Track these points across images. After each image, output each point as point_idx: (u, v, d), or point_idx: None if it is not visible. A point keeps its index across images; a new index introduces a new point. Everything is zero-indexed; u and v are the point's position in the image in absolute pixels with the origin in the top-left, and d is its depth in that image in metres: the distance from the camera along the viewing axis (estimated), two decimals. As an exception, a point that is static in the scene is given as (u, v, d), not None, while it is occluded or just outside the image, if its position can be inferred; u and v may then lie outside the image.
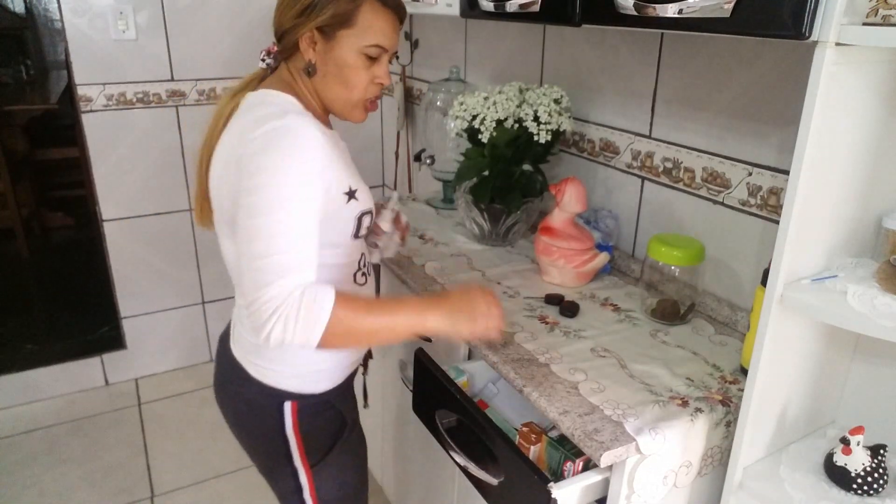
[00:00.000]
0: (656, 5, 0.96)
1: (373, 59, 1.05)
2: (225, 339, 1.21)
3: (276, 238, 0.91)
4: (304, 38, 1.03)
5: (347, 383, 1.23)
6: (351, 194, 1.05)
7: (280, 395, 1.12)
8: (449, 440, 1.18)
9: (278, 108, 1.00)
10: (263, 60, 1.11)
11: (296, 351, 1.09)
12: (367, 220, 1.10)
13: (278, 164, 0.93)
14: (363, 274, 1.18)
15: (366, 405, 1.39)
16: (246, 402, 1.15)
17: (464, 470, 1.15)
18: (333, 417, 1.19)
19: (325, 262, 1.03)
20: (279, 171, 0.92)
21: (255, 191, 0.93)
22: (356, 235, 1.10)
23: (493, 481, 1.07)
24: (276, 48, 1.09)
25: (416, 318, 1.02)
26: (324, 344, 0.93)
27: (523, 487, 1.01)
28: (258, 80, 1.10)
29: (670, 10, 0.94)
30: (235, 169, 0.97)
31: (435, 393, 1.24)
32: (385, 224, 1.24)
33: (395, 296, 1.12)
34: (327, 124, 1.12)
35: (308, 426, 1.15)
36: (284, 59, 1.08)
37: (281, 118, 0.96)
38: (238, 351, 1.15)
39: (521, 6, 1.28)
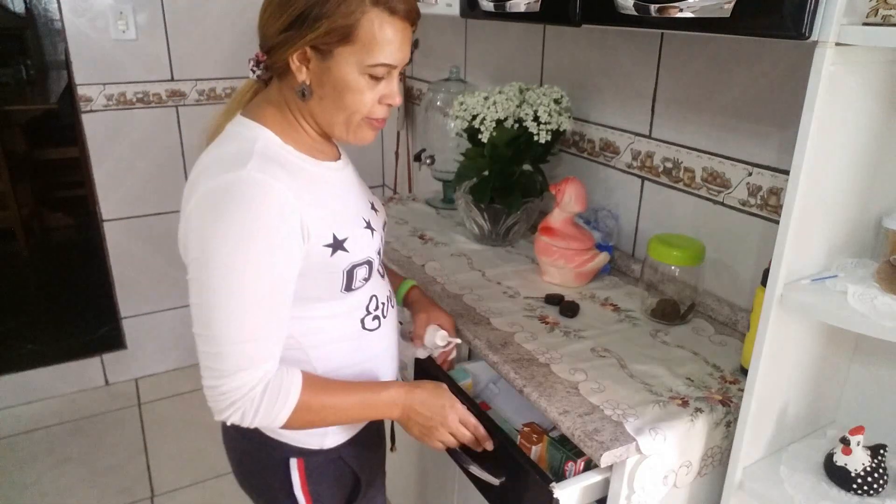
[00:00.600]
0: (656, 5, 0.96)
1: (378, 79, 0.89)
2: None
3: (234, 326, 0.81)
4: (294, 56, 0.86)
5: (361, 437, 1.08)
6: (336, 245, 0.90)
7: (285, 450, 1.01)
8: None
9: (242, 151, 0.85)
10: (253, 71, 0.95)
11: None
12: (361, 272, 0.95)
13: (231, 236, 0.79)
14: (375, 318, 1.02)
15: (392, 448, 1.26)
16: (249, 455, 1.04)
17: (465, 470, 1.14)
18: (345, 476, 1.07)
19: (315, 317, 0.93)
20: (234, 247, 0.79)
21: (206, 267, 0.80)
22: (347, 289, 0.94)
23: (495, 481, 1.07)
24: (264, 57, 0.92)
25: (373, 408, 0.97)
26: (287, 427, 0.89)
27: (525, 487, 1.01)
28: (252, 95, 0.97)
29: (670, 11, 0.94)
30: (184, 217, 0.83)
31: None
32: (422, 353, 1.19)
33: (369, 379, 1.04)
34: (327, 152, 0.97)
35: (318, 485, 1.03)
36: (276, 76, 0.92)
37: (239, 168, 0.81)
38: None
39: (527, 5, 1.28)
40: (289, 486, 1.02)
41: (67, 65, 2.31)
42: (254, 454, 1.03)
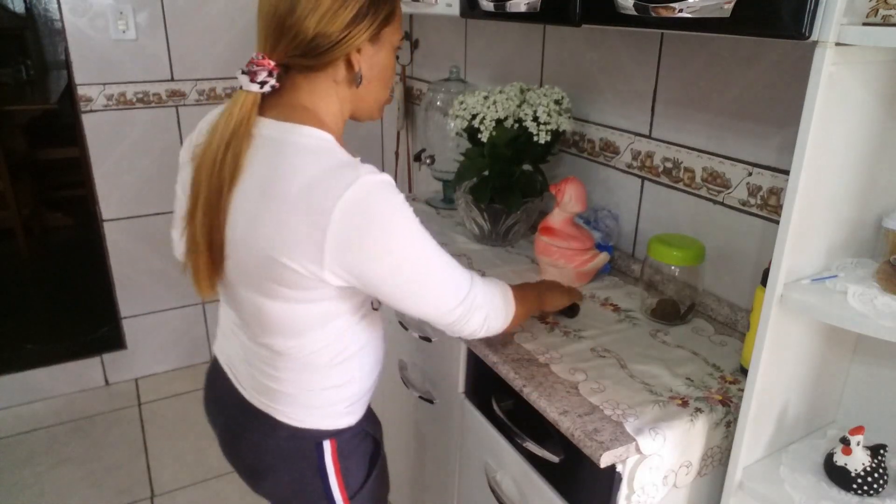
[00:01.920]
0: (656, 5, 0.96)
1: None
2: (225, 391, 1.09)
3: (442, 276, 0.94)
4: (357, 48, 0.88)
5: (372, 404, 1.16)
6: None
7: (316, 436, 1.03)
8: (508, 422, 1.18)
9: (337, 158, 0.87)
10: (262, 84, 0.88)
11: (326, 390, 1.01)
12: None
13: (400, 224, 0.87)
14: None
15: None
16: (271, 451, 1.05)
17: (521, 448, 1.16)
18: (368, 444, 1.12)
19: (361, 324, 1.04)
20: (408, 229, 0.88)
21: (402, 256, 0.88)
22: None
23: (555, 459, 1.07)
24: (273, 64, 0.88)
25: (549, 294, 1.23)
26: (510, 323, 1.07)
27: (586, 463, 0.99)
28: (255, 107, 0.89)
29: (670, 11, 0.94)
30: (311, 234, 0.84)
31: (490, 380, 1.23)
32: None
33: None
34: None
35: (346, 460, 1.06)
36: (301, 72, 0.90)
37: (355, 170, 0.84)
38: (259, 399, 1.03)
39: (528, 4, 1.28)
40: (320, 468, 1.04)
41: (67, 65, 2.31)
42: (279, 448, 1.04)
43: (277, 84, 0.90)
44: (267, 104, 0.91)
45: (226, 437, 1.13)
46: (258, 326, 0.98)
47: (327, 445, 1.04)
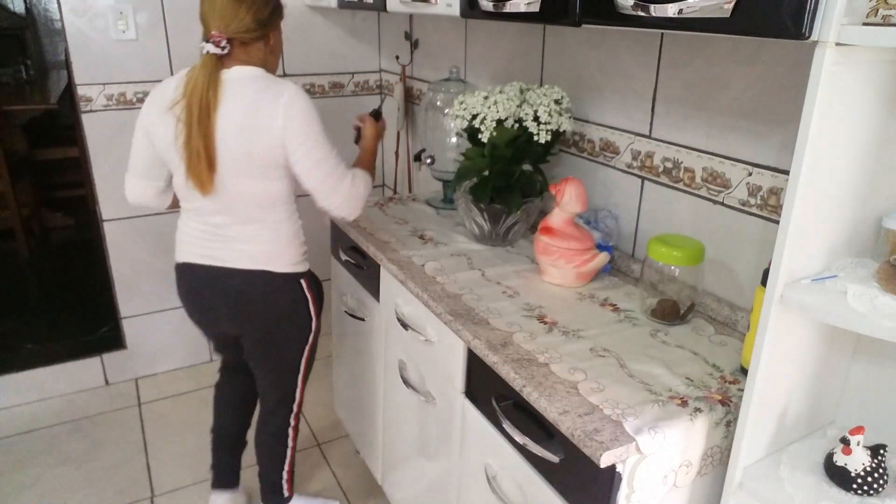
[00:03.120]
0: (656, 5, 0.96)
1: None
2: (211, 278, 1.57)
3: (334, 152, 1.50)
4: (271, 31, 1.48)
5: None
6: None
7: (297, 276, 1.62)
8: (509, 421, 1.18)
9: (271, 78, 1.47)
10: (223, 48, 1.40)
11: (290, 246, 1.58)
12: None
13: (313, 114, 1.45)
14: None
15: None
16: (272, 290, 1.59)
17: (521, 452, 1.16)
18: (317, 283, 1.70)
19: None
20: (316, 119, 1.46)
21: (311, 135, 1.44)
22: None
23: (555, 459, 1.08)
24: (224, 37, 1.40)
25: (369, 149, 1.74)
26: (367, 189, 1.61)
27: (587, 463, 0.99)
28: (218, 61, 1.42)
29: (670, 10, 0.94)
30: (269, 123, 1.40)
31: (490, 380, 1.24)
32: None
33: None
34: None
35: (312, 291, 1.66)
36: (243, 44, 1.44)
37: (282, 83, 1.45)
38: (276, 264, 1.57)
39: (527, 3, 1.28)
40: (303, 295, 1.63)
41: (67, 65, 2.31)
42: (280, 289, 1.60)
43: (228, 49, 1.42)
44: (221, 62, 1.43)
45: (229, 304, 1.60)
46: (244, 207, 1.49)
47: (303, 281, 1.63)
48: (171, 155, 1.47)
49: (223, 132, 1.40)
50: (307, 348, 1.72)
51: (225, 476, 1.97)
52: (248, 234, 1.53)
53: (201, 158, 1.40)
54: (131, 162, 1.56)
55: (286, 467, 1.87)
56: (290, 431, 1.83)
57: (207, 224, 1.53)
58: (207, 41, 1.39)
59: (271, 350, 1.69)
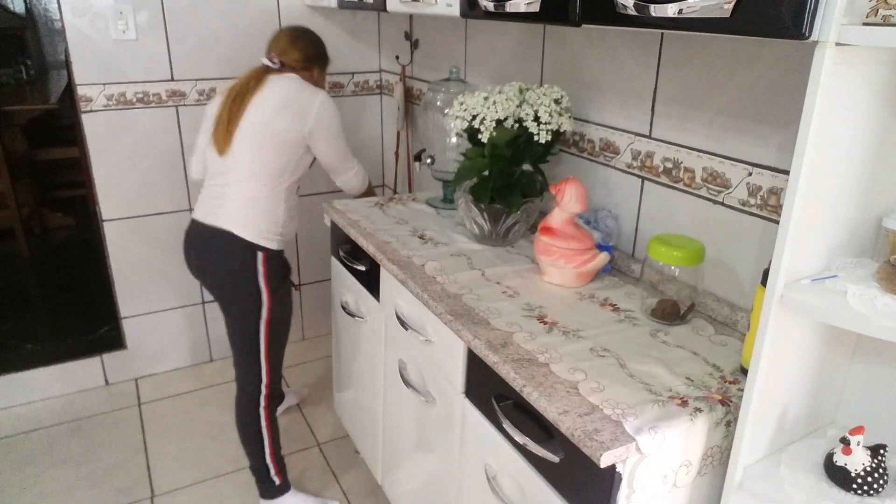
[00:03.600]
0: (656, 5, 0.96)
1: None
2: (207, 234, 1.79)
3: (346, 149, 1.93)
4: (315, 69, 1.96)
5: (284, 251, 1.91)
6: None
7: (257, 248, 1.78)
8: (509, 421, 1.18)
9: (308, 83, 1.87)
10: (273, 62, 1.85)
11: (271, 223, 1.79)
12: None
13: (338, 117, 1.86)
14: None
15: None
16: (231, 254, 1.78)
17: (521, 452, 1.16)
18: (283, 266, 1.87)
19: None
20: (339, 120, 1.87)
21: (326, 126, 1.83)
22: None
23: (555, 459, 1.08)
24: (279, 60, 1.86)
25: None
26: (366, 186, 2.08)
27: (586, 463, 0.99)
28: (265, 70, 1.84)
29: (670, 10, 0.94)
30: (301, 112, 1.78)
31: (490, 380, 1.24)
32: None
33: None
34: None
35: (270, 265, 1.80)
36: (291, 69, 1.88)
37: (318, 88, 1.87)
38: (241, 229, 1.76)
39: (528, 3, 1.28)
40: (253, 265, 1.78)
41: (67, 65, 2.31)
42: (235, 255, 1.77)
43: (278, 66, 1.85)
44: (269, 71, 1.85)
45: (199, 257, 1.84)
46: (248, 170, 1.76)
47: (260, 254, 1.78)
48: (208, 125, 1.82)
49: (254, 107, 1.76)
50: (263, 323, 1.82)
51: None
52: (237, 196, 1.77)
53: (223, 123, 1.75)
54: (195, 144, 1.92)
55: (268, 451, 1.93)
56: (262, 412, 1.90)
57: (216, 184, 1.80)
58: (265, 58, 1.85)
59: (229, 312, 1.86)
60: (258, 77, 1.79)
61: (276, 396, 1.94)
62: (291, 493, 1.99)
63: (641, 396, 1.08)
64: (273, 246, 1.80)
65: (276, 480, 1.95)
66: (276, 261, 1.82)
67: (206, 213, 1.80)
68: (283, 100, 1.77)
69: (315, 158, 1.88)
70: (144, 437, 2.40)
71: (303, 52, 1.87)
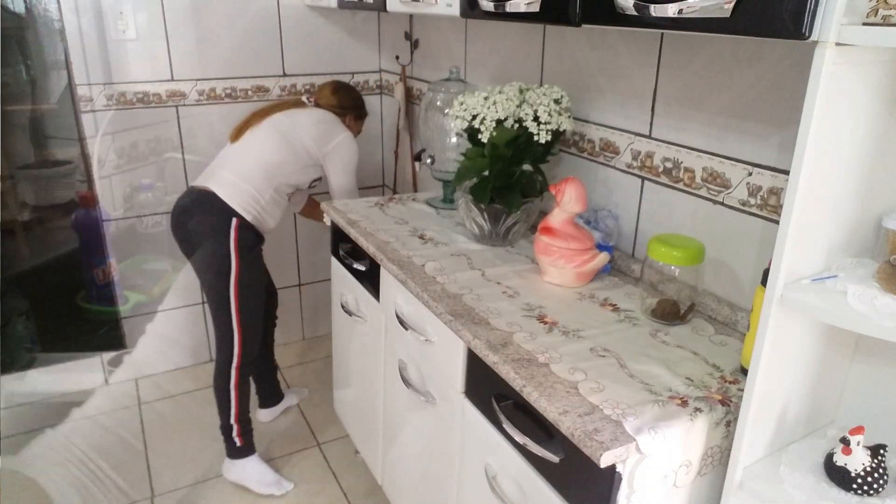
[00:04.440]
0: (656, 5, 0.96)
1: None
2: (196, 196, 1.98)
3: (350, 182, 2.19)
4: (348, 117, 2.24)
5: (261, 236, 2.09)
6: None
7: (233, 214, 1.94)
8: (509, 421, 1.18)
9: (337, 121, 2.17)
10: (309, 101, 2.21)
11: (252, 202, 1.98)
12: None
13: (355, 158, 2.16)
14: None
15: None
16: (208, 212, 1.95)
17: (521, 449, 1.16)
18: (254, 237, 2.01)
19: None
20: (355, 160, 2.16)
21: (344, 158, 2.12)
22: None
23: (555, 459, 1.08)
24: (315, 101, 2.23)
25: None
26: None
27: (586, 463, 0.99)
28: (297, 102, 2.17)
29: (670, 10, 0.94)
30: (325, 135, 2.08)
31: (490, 380, 1.24)
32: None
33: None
34: None
35: (242, 232, 1.96)
36: (329, 109, 2.20)
37: (344, 130, 2.15)
38: (224, 193, 1.94)
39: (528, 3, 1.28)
40: (226, 230, 1.93)
41: (67, 65, 2.32)
42: (211, 214, 1.94)
43: (312, 104, 2.20)
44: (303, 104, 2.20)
45: (183, 213, 1.99)
46: (254, 157, 2.00)
47: (234, 220, 1.94)
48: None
49: (282, 115, 2.06)
50: (233, 286, 1.96)
51: (263, 398, 2.46)
52: (234, 166, 1.98)
53: (243, 122, 2.06)
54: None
55: (234, 413, 2.06)
56: (233, 375, 2.02)
57: (220, 158, 2.05)
58: (305, 97, 2.24)
59: (204, 278, 2.02)
60: (294, 103, 2.12)
61: (248, 365, 2.06)
62: (255, 459, 2.13)
63: (641, 396, 1.08)
64: (248, 217, 1.96)
65: (238, 441, 2.08)
66: (248, 232, 1.97)
67: (202, 179, 2.00)
68: (315, 119, 2.07)
69: (316, 180, 2.13)
70: (144, 437, 2.40)
71: (339, 101, 2.19)
